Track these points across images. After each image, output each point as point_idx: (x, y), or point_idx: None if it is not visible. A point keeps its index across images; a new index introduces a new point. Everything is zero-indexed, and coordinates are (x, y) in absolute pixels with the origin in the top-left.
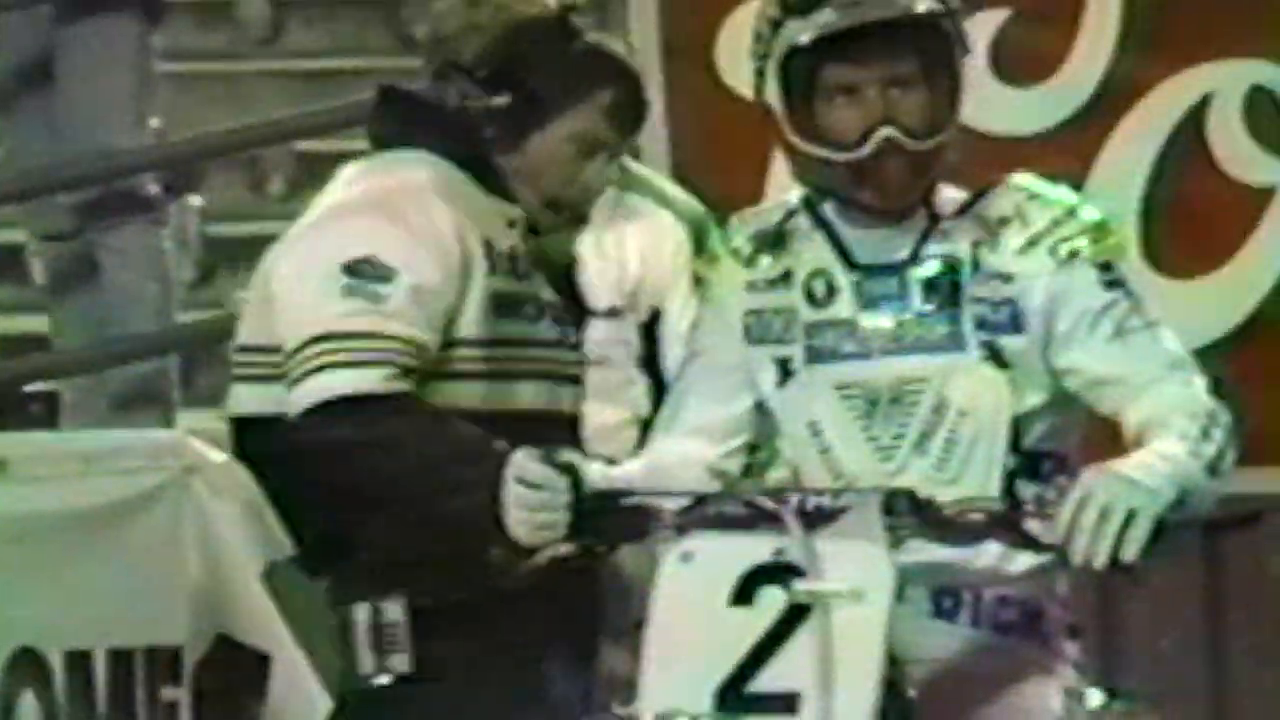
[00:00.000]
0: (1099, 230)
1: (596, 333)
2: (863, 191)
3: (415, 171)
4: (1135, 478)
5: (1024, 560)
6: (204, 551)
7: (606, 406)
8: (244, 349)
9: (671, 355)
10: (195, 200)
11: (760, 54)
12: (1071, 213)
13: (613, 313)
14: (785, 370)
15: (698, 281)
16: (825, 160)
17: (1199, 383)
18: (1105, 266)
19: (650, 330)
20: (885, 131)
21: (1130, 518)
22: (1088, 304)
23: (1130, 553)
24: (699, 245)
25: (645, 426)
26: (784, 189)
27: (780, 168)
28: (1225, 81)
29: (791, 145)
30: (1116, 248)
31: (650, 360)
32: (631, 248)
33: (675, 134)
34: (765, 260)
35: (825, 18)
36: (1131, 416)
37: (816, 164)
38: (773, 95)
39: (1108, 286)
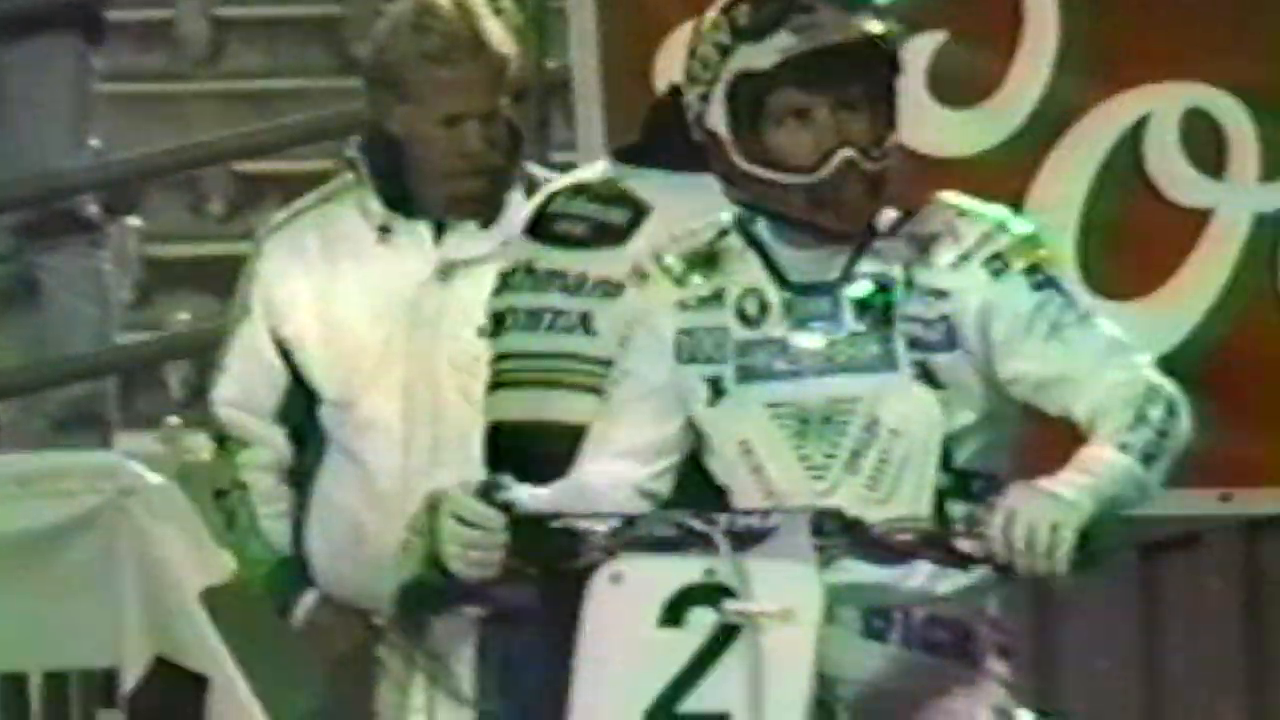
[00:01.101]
0: (1029, 241)
1: None
2: (821, 214)
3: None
4: (1055, 491)
5: (954, 580)
6: (141, 573)
7: None
8: (585, 359)
9: None
10: (134, 221)
11: (707, 79)
12: (1001, 226)
13: None
14: (716, 389)
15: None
16: (779, 184)
17: (1139, 361)
18: (1033, 269)
19: None
20: (845, 154)
21: (1054, 530)
22: (1019, 309)
23: (1058, 566)
24: None
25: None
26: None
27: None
28: (1162, 104)
29: (736, 169)
30: (1048, 258)
31: None
32: None
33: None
34: (696, 279)
35: (784, 41)
36: (1079, 413)
37: (766, 188)
38: (718, 121)
39: (1037, 288)
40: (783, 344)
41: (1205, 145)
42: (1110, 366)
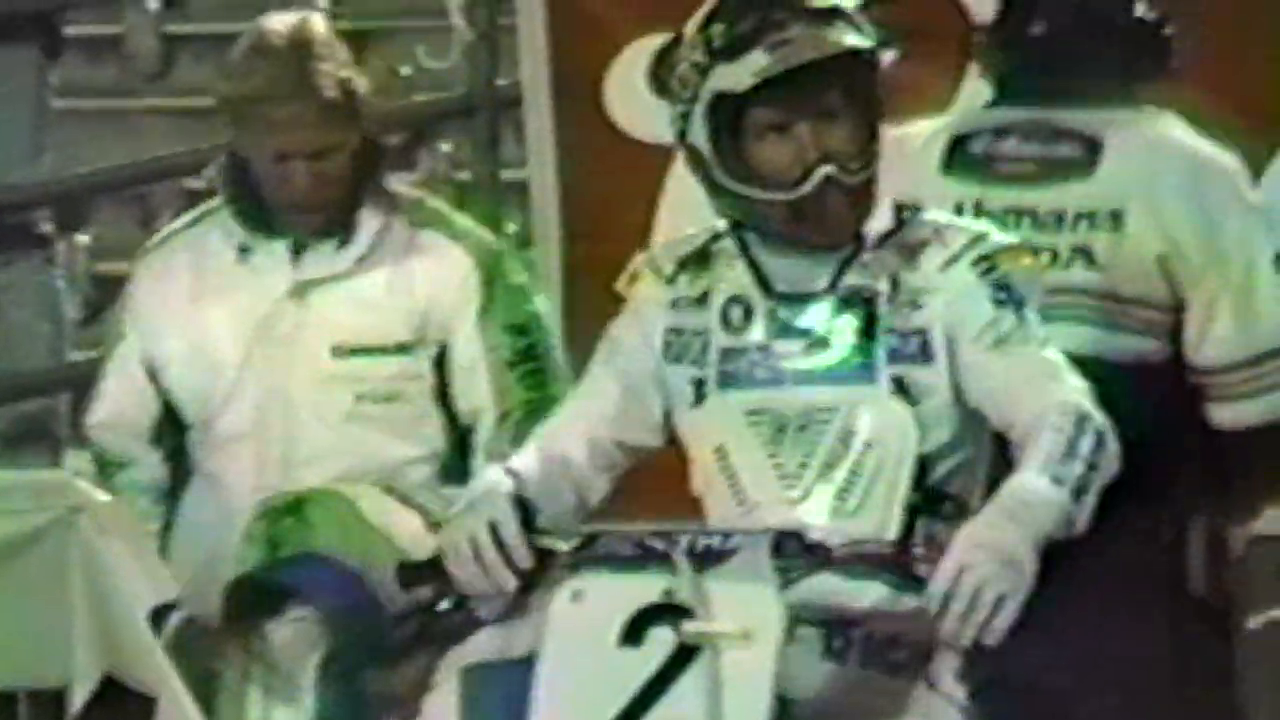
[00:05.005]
0: (1016, 248)
1: (388, 369)
2: (804, 228)
3: None
4: (1009, 557)
5: (909, 600)
6: (90, 591)
7: (401, 442)
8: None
9: (458, 387)
10: (83, 238)
11: (687, 98)
12: (986, 235)
13: (403, 348)
14: (699, 392)
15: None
16: (761, 200)
17: (1075, 385)
18: (1002, 286)
19: (440, 364)
20: (825, 170)
21: (999, 602)
22: (976, 319)
23: (993, 638)
24: (490, 276)
25: (440, 462)
26: (673, 224)
27: (668, 202)
28: None
29: (721, 186)
30: (1031, 266)
31: (442, 394)
32: (420, 283)
33: (565, 169)
34: (685, 279)
35: (758, 61)
36: (1014, 430)
37: (749, 203)
38: (699, 137)
39: (997, 303)
40: (765, 351)
41: None
42: (1045, 389)
